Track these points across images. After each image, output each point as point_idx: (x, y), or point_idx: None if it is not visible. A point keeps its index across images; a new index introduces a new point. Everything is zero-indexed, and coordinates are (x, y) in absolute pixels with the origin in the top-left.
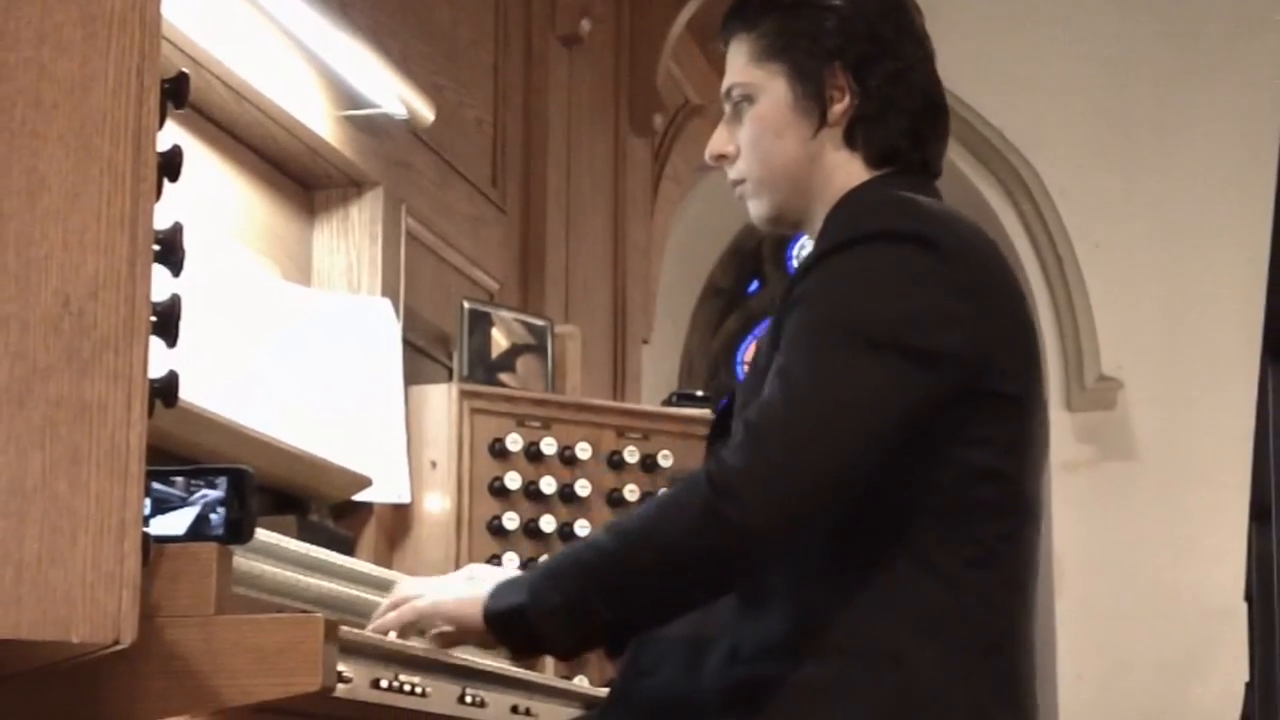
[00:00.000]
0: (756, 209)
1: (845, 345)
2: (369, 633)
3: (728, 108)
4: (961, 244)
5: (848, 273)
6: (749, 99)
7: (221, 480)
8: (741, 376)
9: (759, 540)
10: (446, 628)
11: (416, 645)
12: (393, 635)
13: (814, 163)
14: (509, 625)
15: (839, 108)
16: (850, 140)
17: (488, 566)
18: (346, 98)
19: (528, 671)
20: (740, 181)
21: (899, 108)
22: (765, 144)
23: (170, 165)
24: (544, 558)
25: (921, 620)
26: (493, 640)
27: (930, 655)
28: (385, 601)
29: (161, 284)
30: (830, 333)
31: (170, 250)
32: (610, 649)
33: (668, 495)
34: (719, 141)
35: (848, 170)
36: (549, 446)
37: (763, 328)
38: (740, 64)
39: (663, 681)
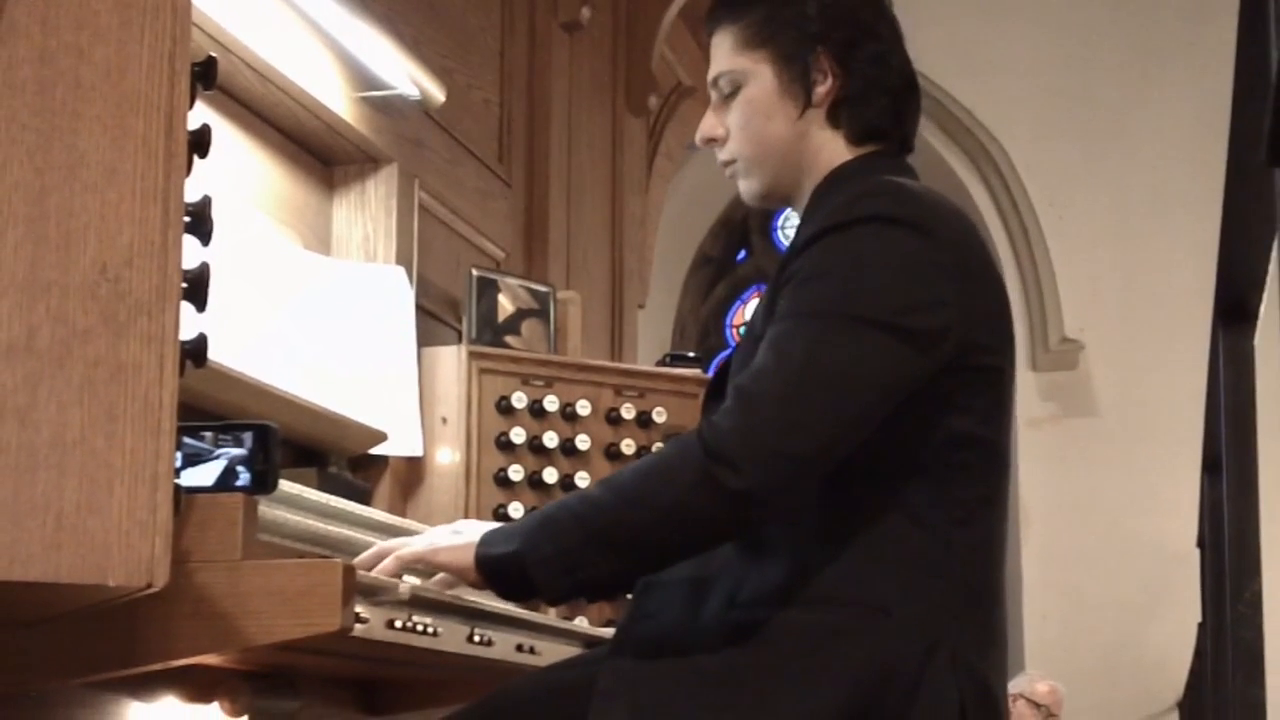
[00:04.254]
0: (748, 187)
1: (838, 320)
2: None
3: (715, 94)
4: (948, 228)
5: (843, 253)
6: (737, 85)
7: (247, 435)
8: (730, 338)
9: (751, 504)
10: (438, 575)
11: (430, 588)
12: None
13: (801, 141)
14: (501, 571)
15: (823, 90)
16: (834, 120)
17: (474, 521)
18: (363, 80)
19: (532, 613)
20: (731, 162)
21: (881, 88)
22: (755, 125)
23: (200, 143)
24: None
25: (910, 574)
26: (483, 585)
27: (917, 606)
28: (373, 549)
29: (191, 253)
30: (824, 308)
31: (200, 221)
32: (604, 597)
33: (661, 455)
34: (709, 126)
35: (832, 148)
36: (551, 404)
37: (750, 293)
38: (726, 52)
39: (663, 624)
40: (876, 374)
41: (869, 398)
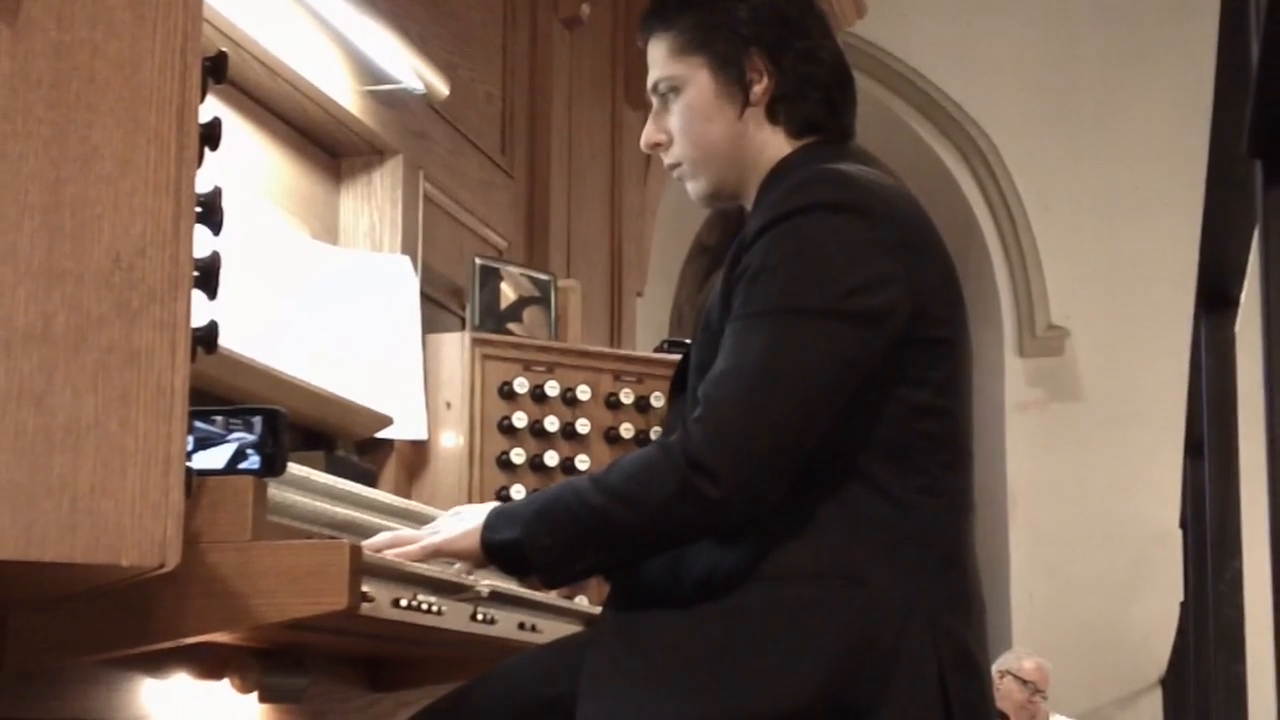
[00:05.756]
0: (695, 188)
1: (788, 315)
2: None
3: (655, 100)
4: (889, 207)
5: (787, 245)
6: (675, 90)
7: (257, 419)
8: None
9: (732, 509)
10: (454, 563)
11: (434, 568)
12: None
13: (742, 140)
14: (505, 555)
15: (759, 89)
16: (772, 116)
17: (472, 505)
18: (370, 74)
19: (533, 592)
20: (677, 165)
21: (814, 82)
22: (696, 129)
23: (210, 135)
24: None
25: (881, 543)
26: (488, 565)
27: (890, 575)
28: (384, 539)
29: (203, 242)
30: (774, 304)
31: (211, 212)
32: (597, 577)
33: (647, 458)
34: (651, 132)
35: (774, 144)
36: (552, 389)
37: None
38: (663, 59)
39: (646, 603)
40: (832, 362)
41: (828, 387)
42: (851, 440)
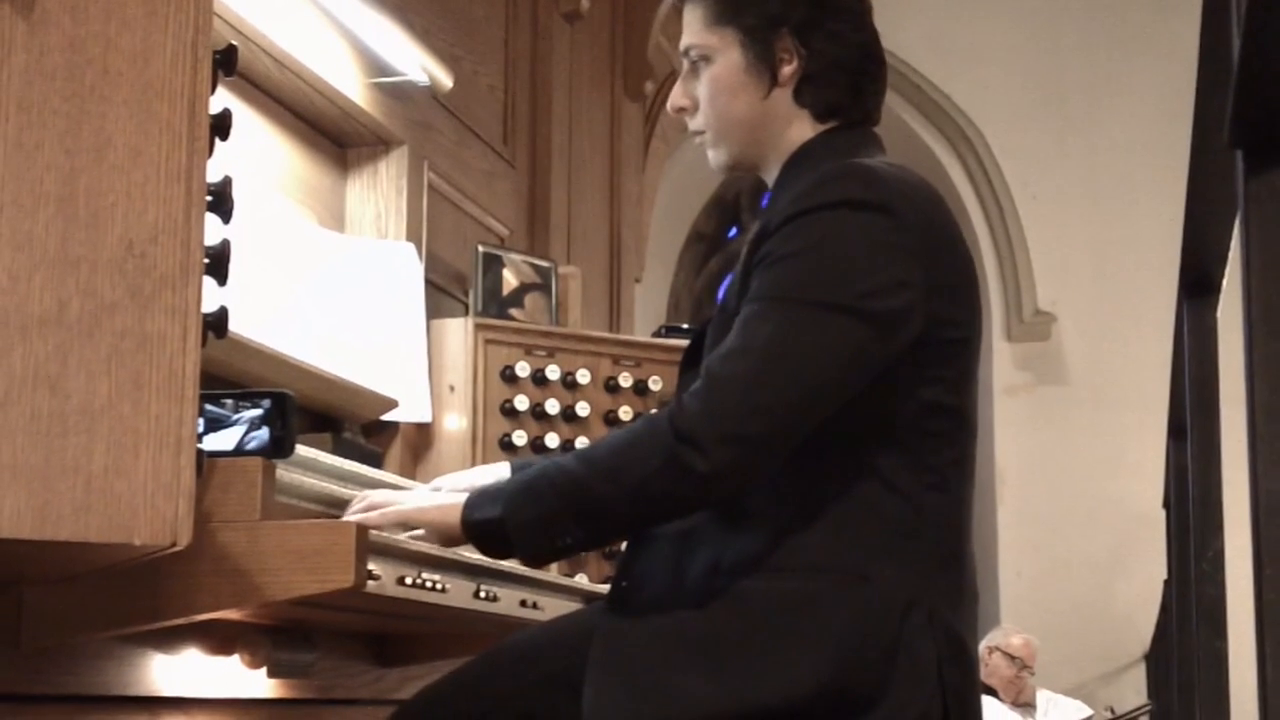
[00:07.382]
0: (715, 157)
1: (802, 305)
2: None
3: (685, 64)
4: (914, 208)
5: (810, 237)
6: (705, 59)
7: (266, 402)
8: None
9: (715, 485)
10: (421, 533)
11: (435, 548)
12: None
13: (765, 118)
14: (485, 533)
15: (788, 70)
16: (799, 98)
17: (451, 476)
18: (375, 67)
19: (534, 570)
20: (700, 132)
21: (841, 66)
22: (721, 102)
23: (221, 126)
24: None
25: (886, 539)
26: (465, 543)
27: (895, 570)
28: (359, 501)
29: (213, 230)
30: (790, 293)
31: (221, 201)
32: (580, 553)
33: (633, 431)
34: (678, 97)
35: (798, 125)
36: (553, 373)
37: None
38: (696, 26)
39: (652, 591)
40: (838, 357)
41: (830, 381)
42: (864, 436)
